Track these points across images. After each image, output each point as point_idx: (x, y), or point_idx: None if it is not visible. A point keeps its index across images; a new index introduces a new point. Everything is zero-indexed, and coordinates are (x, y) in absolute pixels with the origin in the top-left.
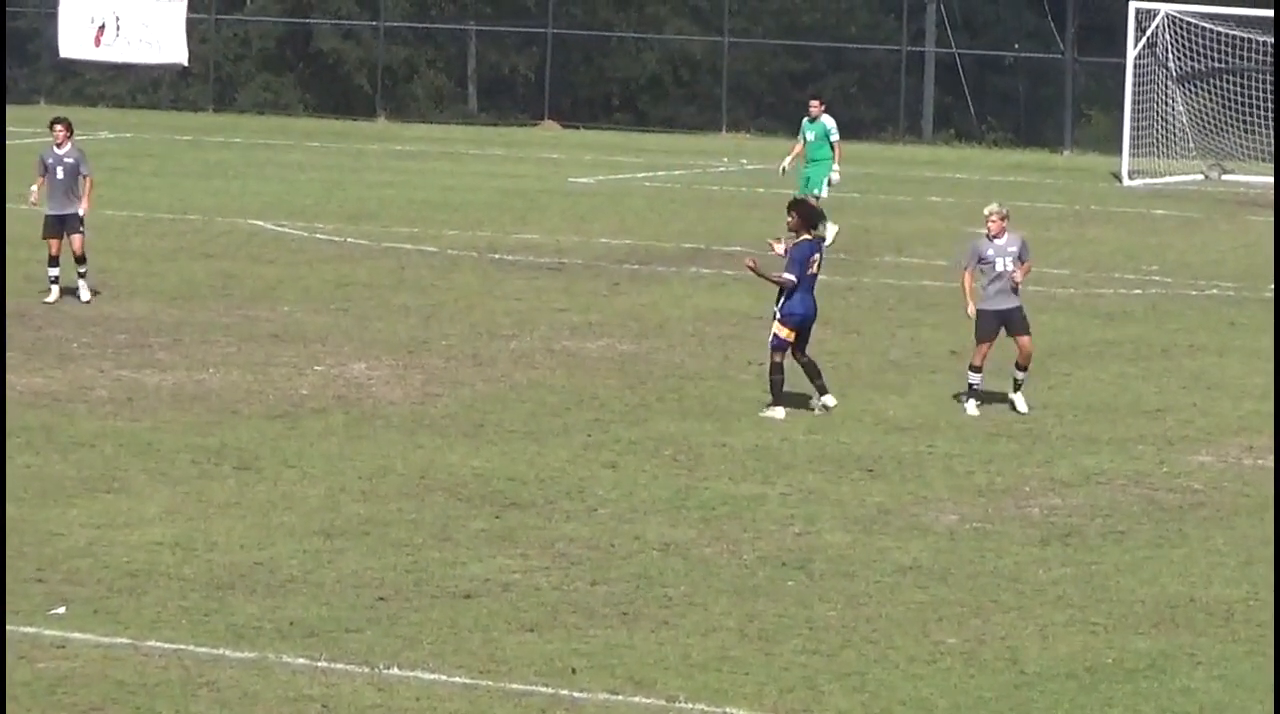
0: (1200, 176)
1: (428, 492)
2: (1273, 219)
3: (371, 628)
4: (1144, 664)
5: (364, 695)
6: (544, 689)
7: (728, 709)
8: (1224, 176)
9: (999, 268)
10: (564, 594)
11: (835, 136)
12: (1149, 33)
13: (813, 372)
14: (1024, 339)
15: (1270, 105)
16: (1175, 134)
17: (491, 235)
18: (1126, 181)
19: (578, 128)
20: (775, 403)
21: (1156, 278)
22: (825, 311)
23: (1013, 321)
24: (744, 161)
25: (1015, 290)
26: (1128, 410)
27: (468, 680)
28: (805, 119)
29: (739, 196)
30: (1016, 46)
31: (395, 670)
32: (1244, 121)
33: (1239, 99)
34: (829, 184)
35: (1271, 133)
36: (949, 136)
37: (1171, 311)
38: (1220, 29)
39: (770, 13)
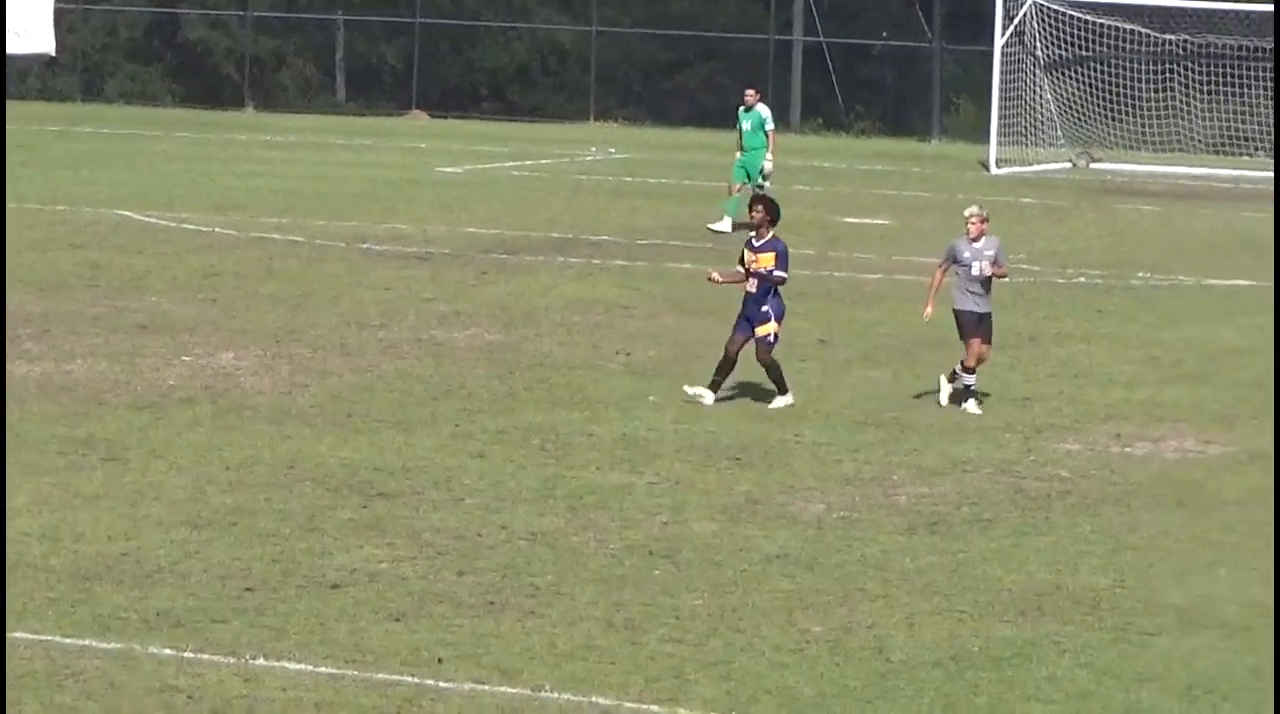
0: (1068, 164)
1: (295, 482)
2: (1273, 213)
3: (238, 618)
4: (1010, 652)
5: (230, 686)
6: (410, 679)
7: (593, 698)
8: (1091, 164)
9: (975, 271)
10: (430, 584)
11: (770, 125)
12: (1016, 21)
13: (777, 372)
14: (985, 347)
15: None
16: (1043, 122)
17: (359, 225)
18: (994, 170)
19: (446, 117)
20: (785, 392)
21: (1024, 266)
22: (694, 301)
23: (981, 327)
24: (612, 150)
25: (988, 286)
26: (995, 398)
27: (334, 670)
28: (740, 108)
29: (606, 185)
30: (884, 35)
31: (262, 661)
32: (1111, 109)
33: (1106, 87)
34: (763, 173)
35: (1139, 120)
36: (817, 125)
37: (1039, 300)
38: (1088, 17)
39: (639, 2)
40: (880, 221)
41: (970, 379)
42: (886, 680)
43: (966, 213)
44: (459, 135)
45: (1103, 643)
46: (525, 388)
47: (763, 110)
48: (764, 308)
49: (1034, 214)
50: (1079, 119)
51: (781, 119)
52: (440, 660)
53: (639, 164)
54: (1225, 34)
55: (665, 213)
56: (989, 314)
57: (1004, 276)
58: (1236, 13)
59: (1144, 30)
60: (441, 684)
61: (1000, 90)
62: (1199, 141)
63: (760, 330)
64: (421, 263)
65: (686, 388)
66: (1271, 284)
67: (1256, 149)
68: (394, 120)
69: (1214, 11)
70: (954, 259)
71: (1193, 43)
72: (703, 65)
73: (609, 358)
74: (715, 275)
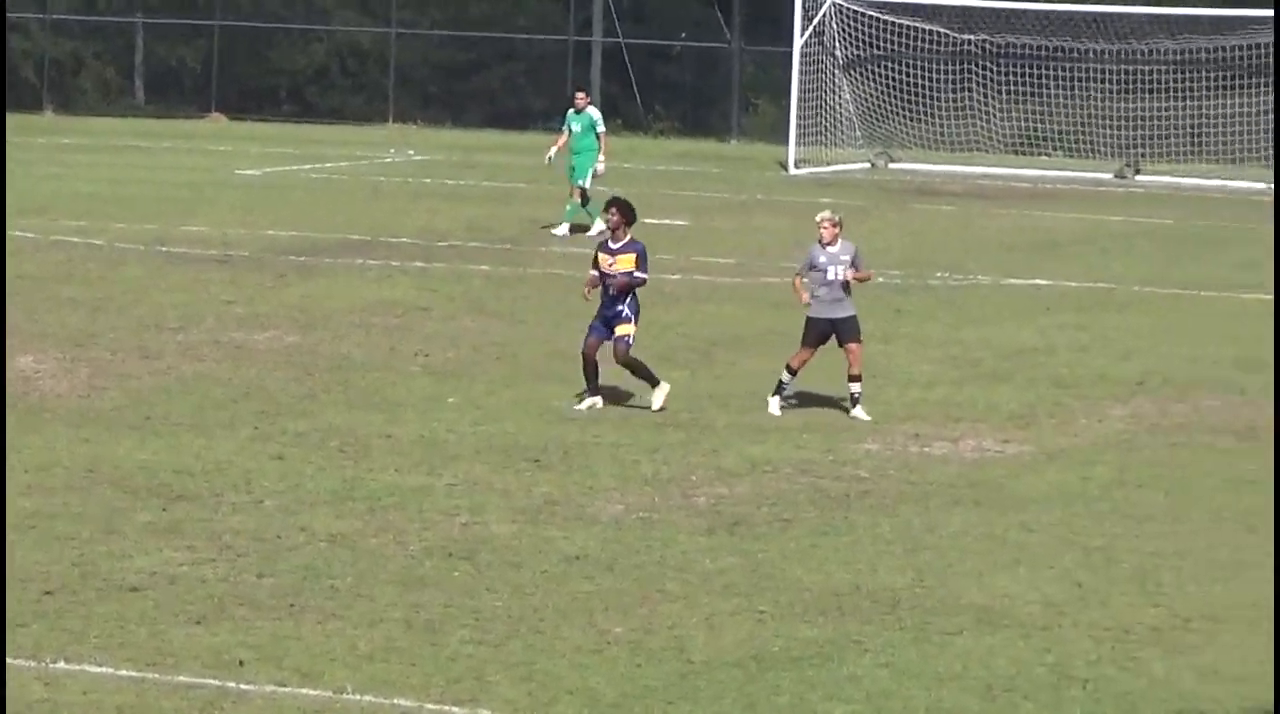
0: (867, 165)
1: (94, 485)
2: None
3: (38, 622)
4: (811, 652)
5: (31, 690)
6: (211, 682)
7: (395, 700)
8: (890, 164)
9: (830, 276)
10: (231, 586)
11: (601, 128)
12: (816, 21)
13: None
14: (854, 346)
15: (935, 92)
16: (842, 122)
17: (159, 228)
18: (793, 170)
19: (245, 120)
20: (657, 383)
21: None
22: (492, 303)
23: (843, 330)
24: (411, 152)
25: (847, 290)
26: (793, 399)
27: (135, 673)
28: (570, 110)
29: (405, 187)
30: (684, 36)
31: (62, 664)
32: (910, 109)
33: (906, 87)
34: (594, 174)
35: (938, 120)
36: (616, 126)
37: None
38: (887, 17)
39: (437, 4)
40: (679, 222)
41: (787, 377)
42: (687, 681)
43: (818, 218)
44: (258, 138)
45: (903, 642)
46: (324, 390)
47: (593, 113)
48: (620, 308)
49: None
50: (878, 119)
51: None
52: (241, 663)
53: (438, 166)
54: (1024, 34)
55: (464, 215)
56: (853, 317)
57: (867, 279)
58: (1035, 13)
59: (943, 30)
60: (243, 687)
61: (799, 91)
62: (997, 142)
63: (619, 331)
64: (220, 265)
65: (576, 406)
66: (1070, 283)
67: (1054, 149)
68: (193, 123)
69: (1013, 11)
70: (811, 265)
71: (992, 43)
72: (501, 67)
73: (408, 360)
74: (587, 292)
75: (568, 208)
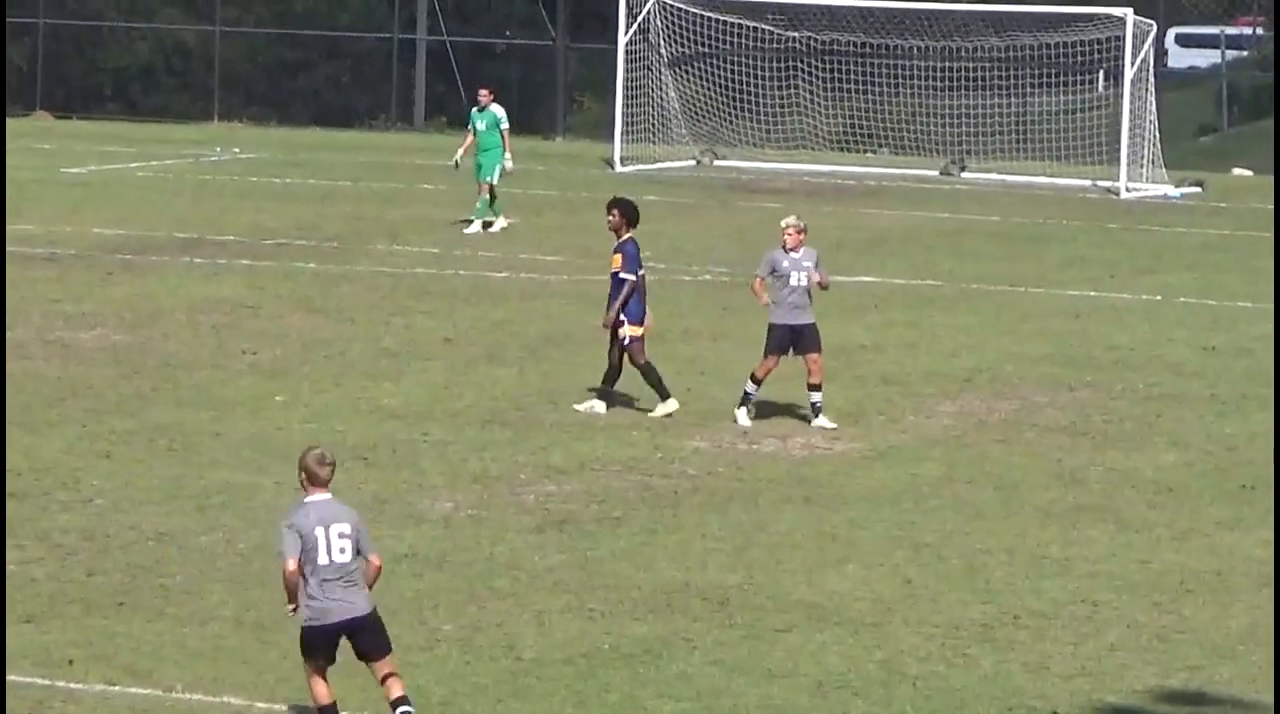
0: (693, 162)
1: None
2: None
3: None
4: (641, 650)
5: None
6: (41, 681)
7: (225, 698)
8: (716, 162)
9: (793, 282)
10: (60, 585)
11: (505, 124)
12: (640, 18)
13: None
14: (814, 356)
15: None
16: (668, 120)
17: None
18: (619, 167)
19: (70, 118)
20: (665, 397)
21: (649, 263)
22: (320, 301)
23: (804, 338)
24: (236, 150)
25: (809, 297)
26: (621, 396)
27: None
28: (474, 109)
29: (231, 185)
30: (508, 34)
31: None
32: (736, 106)
33: (731, 84)
34: (503, 172)
35: (764, 117)
36: (441, 124)
37: (665, 297)
38: (710, 14)
39: (262, 2)
40: (506, 220)
41: (751, 388)
42: (517, 679)
43: (784, 223)
44: (84, 136)
45: (733, 640)
46: (152, 388)
47: (497, 110)
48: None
49: (659, 212)
50: (704, 116)
51: (405, 118)
52: (71, 662)
53: (264, 164)
54: (849, 31)
55: (291, 213)
56: (813, 324)
57: (826, 287)
58: (860, 10)
59: (768, 28)
60: (73, 685)
61: (624, 88)
62: (823, 139)
63: (620, 332)
64: (47, 263)
65: (576, 406)
66: (898, 280)
67: (880, 146)
68: (18, 121)
69: (838, 9)
70: (772, 269)
71: (817, 40)
72: (327, 64)
73: (235, 358)
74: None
75: (478, 206)
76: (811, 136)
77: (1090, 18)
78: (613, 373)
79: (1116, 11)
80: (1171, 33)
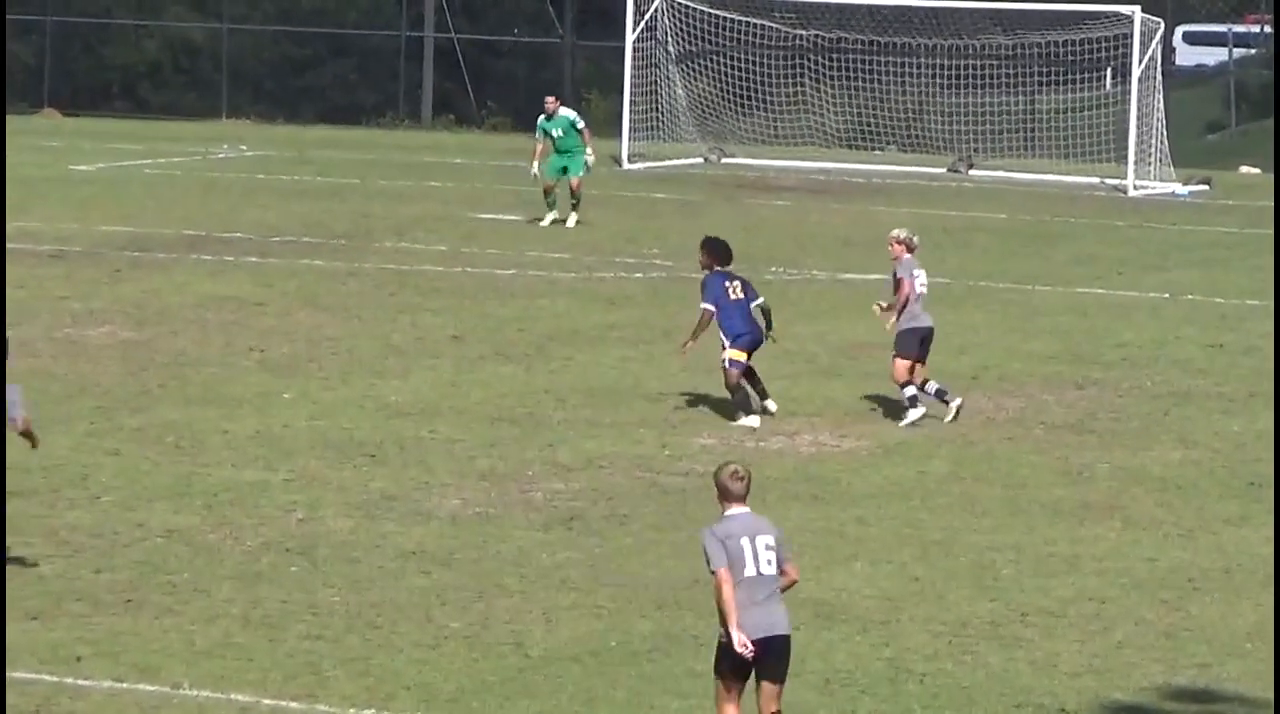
0: (701, 160)
1: None
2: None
3: None
4: (648, 646)
5: None
6: (49, 678)
7: (232, 695)
8: (724, 159)
9: (919, 288)
10: (68, 582)
11: (581, 124)
12: (648, 16)
13: (753, 378)
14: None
15: (768, 87)
16: (676, 117)
17: None
18: (627, 165)
19: (78, 115)
20: (748, 413)
21: (657, 261)
22: (327, 298)
23: (930, 339)
24: (244, 148)
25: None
26: (629, 394)
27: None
28: (542, 117)
29: (239, 183)
30: (516, 31)
31: None
32: (744, 104)
33: (738, 81)
34: (587, 168)
35: (772, 115)
36: (449, 121)
37: (672, 295)
38: (717, 11)
39: None
40: (513, 217)
41: (910, 391)
42: (525, 675)
43: (900, 235)
44: (92, 133)
45: None
46: (159, 385)
47: (569, 113)
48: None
49: (667, 209)
50: (712, 114)
51: (413, 115)
52: (79, 659)
53: (271, 162)
54: (857, 29)
55: (298, 210)
56: (932, 329)
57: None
58: (868, 8)
59: (776, 25)
60: (80, 682)
61: (632, 86)
62: (831, 136)
63: (723, 354)
64: (55, 261)
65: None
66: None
67: (888, 143)
68: (26, 118)
69: (846, 6)
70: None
71: (825, 38)
72: (334, 62)
73: (243, 355)
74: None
75: (574, 202)
76: (819, 134)
77: (1098, 15)
78: (736, 392)
79: (1124, 9)
80: (1179, 30)
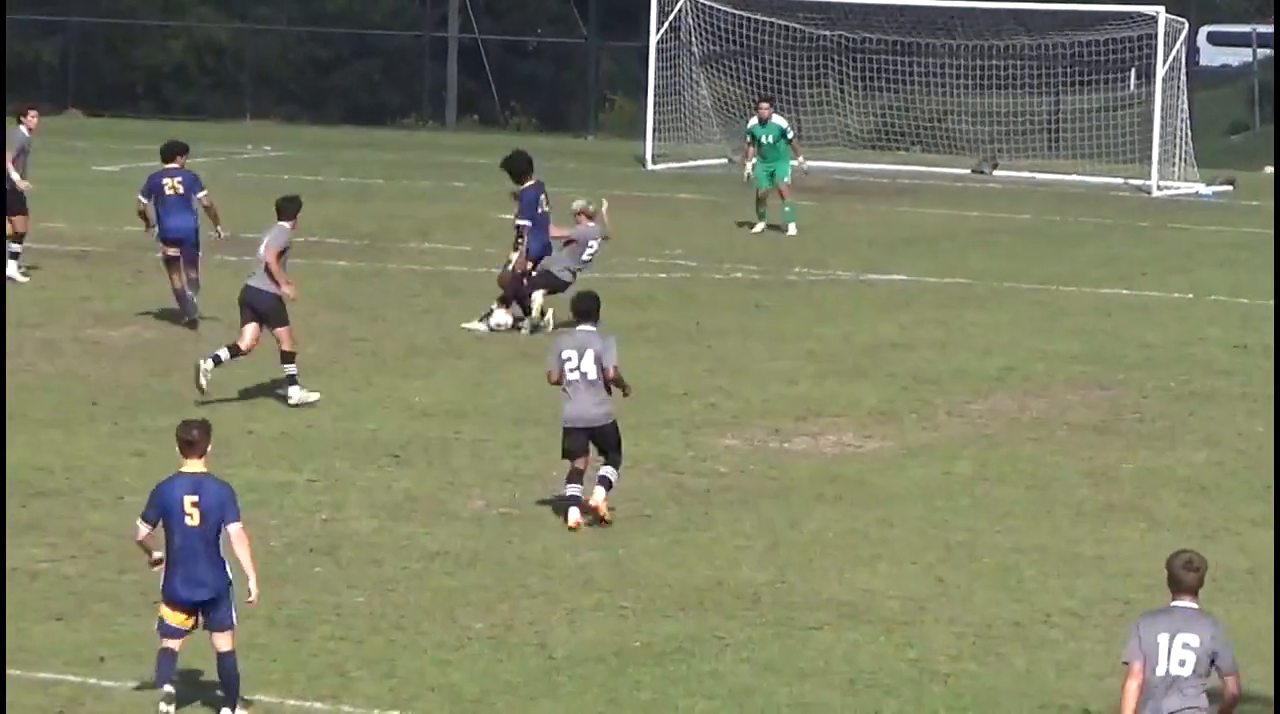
0: (724, 160)
1: None
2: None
3: None
4: (672, 647)
5: None
6: (72, 678)
7: (257, 696)
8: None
9: None
10: (91, 583)
11: (791, 134)
12: (672, 16)
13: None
14: None
15: (792, 87)
16: (699, 117)
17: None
18: (650, 165)
19: (103, 116)
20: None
21: (681, 262)
22: (351, 298)
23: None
24: (268, 148)
25: None
26: (653, 394)
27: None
28: (754, 121)
29: (263, 184)
30: (540, 31)
31: None
32: (772, 109)
33: (762, 82)
34: (804, 173)
35: (795, 115)
36: (472, 122)
37: (696, 295)
38: (742, 12)
39: (294, 0)
40: (763, 225)
41: None
42: (549, 677)
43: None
44: (116, 134)
45: (764, 638)
46: (183, 386)
47: (780, 122)
48: None
49: (691, 210)
50: (735, 114)
51: (437, 116)
52: (102, 659)
53: (295, 162)
54: (881, 30)
55: (322, 211)
56: None
57: None
58: (893, 8)
59: (800, 26)
60: (104, 683)
61: (656, 86)
62: (855, 137)
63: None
64: (79, 262)
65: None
66: (930, 278)
67: (913, 144)
68: (50, 119)
69: (870, 7)
70: None
71: (849, 38)
72: (358, 63)
73: (267, 356)
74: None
75: (786, 210)
76: (843, 134)
77: (1122, 16)
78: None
79: (1148, 10)
80: (1203, 31)
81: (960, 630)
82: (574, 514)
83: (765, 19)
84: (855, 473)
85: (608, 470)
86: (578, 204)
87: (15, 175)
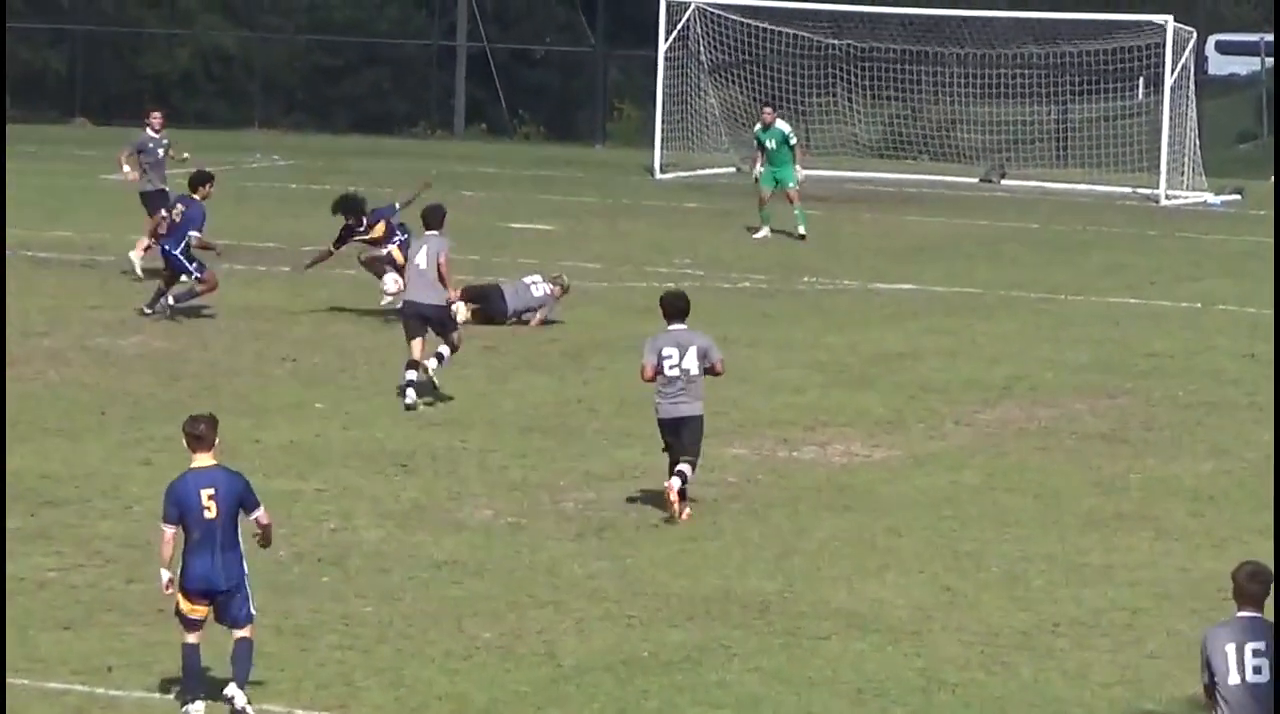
0: (733, 169)
1: None
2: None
3: None
4: (680, 657)
5: None
6: (80, 687)
7: (264, 706)
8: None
9: None
10: (100, 592)
11: (794, 140)
12: (680, 25)
13: None
14: None
15: (801, 96)
16: (708, 127)
17: (24, 233)
18: (659, 175)
19: (110, 124)
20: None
21: (689, 271)
22: (356, 307)
23: None
24: (276, 157)
25: None
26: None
27: (5, 680)
28: (759, 127)
29: (272, 192)
30: (548, 40)
31: None
32: (776, 113)
33: (769, 91)
34: (798, 182)
35: (803, 124)
36: (481, 131)
37: (704, 304)
38: (751, 21)
39: (302, 9)
40: (545, 227)
41: None
42: (557, 686)
43: None
44: (123, 142)
45: (772, 647)
46: (191, 395)
47: (783, 127)
48: None
49: (699, 219)
50: (743, 123)
51: (445, 125)
52: (110, 669)
53: (303, 171)
54: (889, 39)
55: (330, 220)
56: None
57: None
58: (901, 17)
59: (808, 35)
60: (112, 693)
61: (664, 95)
62: (864, 146)
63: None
64: (87, 270)
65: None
66: (937, 288)
67: (921, 153)
68: (57, 128)
69: (878, 16)
70: None
71: (857, 47)
72: (367, 72)
73: (275, 364)
74: None
75: (796, 213)
76: (851, 143)
77: (1131, 25)
78: None
79: (1157, 19)
80: (1211, 40)
81: (968, 639)
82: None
83: (773, 28)
84: (863, 482)
85: (685, 467)
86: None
87: (127, 168)
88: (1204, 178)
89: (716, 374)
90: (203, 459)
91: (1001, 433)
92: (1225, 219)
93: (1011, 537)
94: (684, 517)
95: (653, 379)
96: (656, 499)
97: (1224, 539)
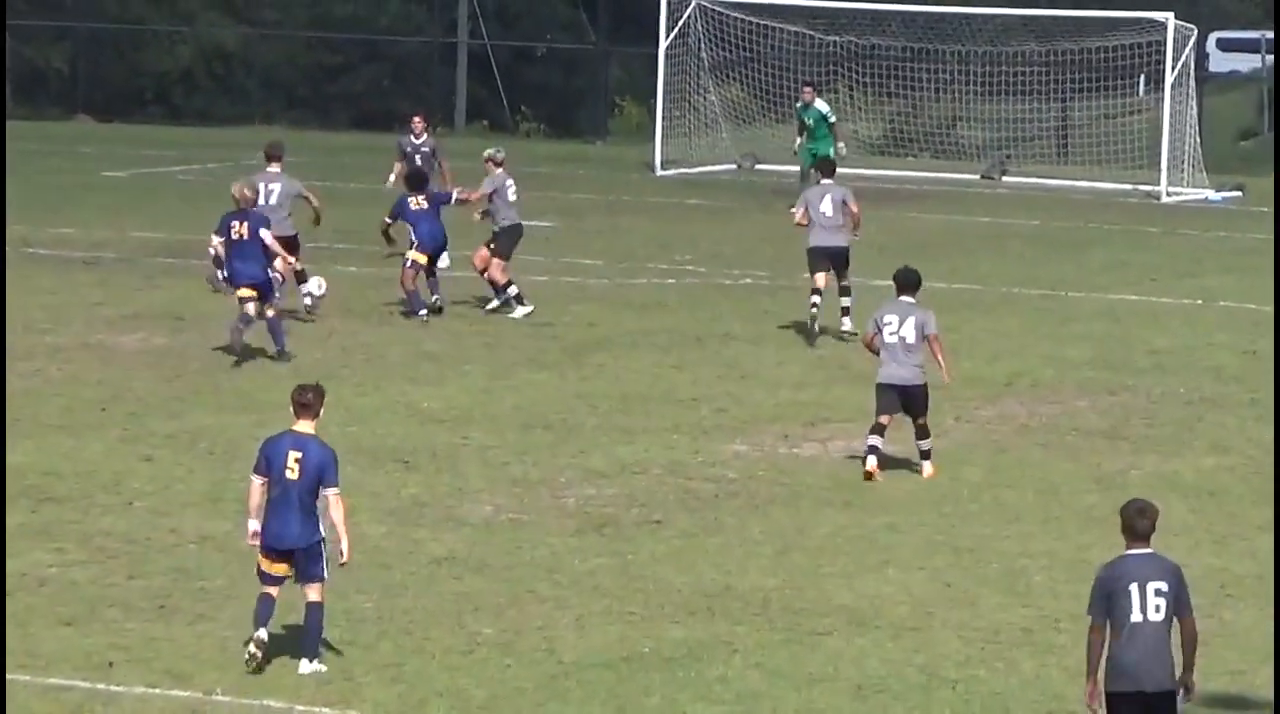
0: (733, 166)
1: None
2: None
3: None
4: (681, 653)
5: None
6: (82, 683)
7: (265, 701)
8: (756, 166)
9: None
10: (101, 588)
11: (833, 118)
12: (681, 22)
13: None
14: None
15: (800, 93)
16: (709, 123)
17: (25, 230)
18: (659, 171)
19: (111, 121)
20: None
21: (690, 267)
22: (360, 304)
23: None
24: None
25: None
26: (662, 400)
27: (6, 676)
28: (799, 104)
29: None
30: (549, 37)
31: None
32: (775, 111)
33: (770, 88)
34: (841, 158)
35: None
36: (482, 128)
37: (705, 301)
38: (752, 19)
39: (302, 5)
40: (547, 223)
41: None
42: (558, 682)
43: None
44: (125, 139)
45: (773, 643)
46: (193, 392)
47: (822, 106)
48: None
49: (700, 216)
50: (744, 120)
51: (446, 122)
52: (111, 664)
53: (304, 168)
54: (890, 36)
55: (331, 216)
56: None
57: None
58: (902, 14)
59: (809, 32)
60: (113, 688)
61: (665, 92)
62: (864, 143)
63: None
64: (89, 267)
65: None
66: (939, 284)
67: (921, 150)
68: (59, 125)
69: (879, 13)
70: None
71: (858, 44)
72: (367, 68)
73: (276, 361)
74: None
75: None
76: (852, 140)
77: (1131, 22)
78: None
79: (1158, 16)
80: (1213, 37)
81: (968, 636)
82: (871, 461)
83: (774, 25)
84: (864, 478)
85: (924, 443)
86: (487, 153)
87: (392, 177)
88: (1205, 174)
89: (935, 345)
90: (304, 425)
91: (1002, 429)
92: (1226, 216)
93: (1012, 533)
94: (927, 475)
95: (870, 345)
96: (656, 495)
97: (1224, 535)
